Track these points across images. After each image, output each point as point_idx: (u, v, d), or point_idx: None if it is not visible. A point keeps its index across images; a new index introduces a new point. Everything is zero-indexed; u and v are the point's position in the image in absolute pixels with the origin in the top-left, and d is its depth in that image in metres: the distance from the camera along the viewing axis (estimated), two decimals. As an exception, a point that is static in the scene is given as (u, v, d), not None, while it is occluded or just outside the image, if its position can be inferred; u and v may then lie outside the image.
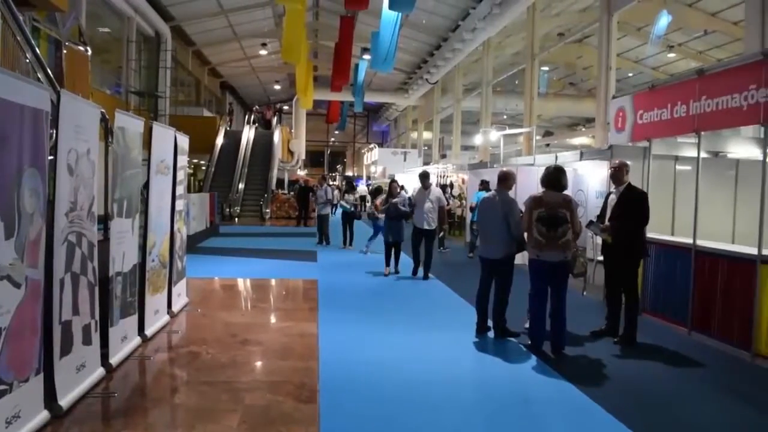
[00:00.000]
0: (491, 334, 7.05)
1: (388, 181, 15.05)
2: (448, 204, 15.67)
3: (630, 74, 28.75)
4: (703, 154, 7.58)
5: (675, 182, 8.96)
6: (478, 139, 24.94)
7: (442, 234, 13.38)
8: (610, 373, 5.88)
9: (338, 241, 15.76)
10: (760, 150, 7.30)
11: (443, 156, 34.58)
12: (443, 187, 18.71)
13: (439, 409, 4.78)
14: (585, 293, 7.39)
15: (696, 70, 7.51)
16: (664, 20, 19.31)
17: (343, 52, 21.97)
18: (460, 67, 29.09)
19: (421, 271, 10.97)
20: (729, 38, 21.81)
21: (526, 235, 6.63)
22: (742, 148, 8.96)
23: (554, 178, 6.48)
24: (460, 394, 5.23)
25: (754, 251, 6.43)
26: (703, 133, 7.41)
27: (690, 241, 7.40)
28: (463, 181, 20.77)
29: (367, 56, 24.86)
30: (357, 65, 26.98)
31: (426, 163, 33.86)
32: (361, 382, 5.34)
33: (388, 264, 11.37)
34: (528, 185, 11.97)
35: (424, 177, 11.04)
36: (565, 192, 6.57)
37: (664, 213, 8.48)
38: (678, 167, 9.11)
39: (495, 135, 21.10)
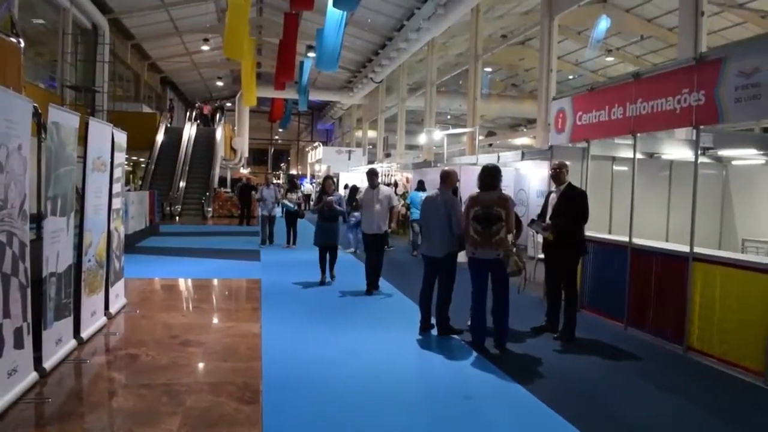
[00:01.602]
0: (435, 331, 7.11)
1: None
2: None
3: (570, 77, 29.45)
4: (638, 155, 7.83)
5: (612, 182, 9.21)
6: (422, 139, 25.11)
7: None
8: (550, 368, 6.00)
9: (281, 240, 15.62)
10: (692, 151, 7.58)
11: (388, 155, 34.69)
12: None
13: (384, 407, 4.79)
14: (520, 291, 7.52)
15: (633, 73, 7.74)
16: (603, 25, 19.88)
17: (288, 49, 21.77)
18: (405, 67, 29.23)
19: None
20: (664, 44, 22.60)
21: (464, 233, 6.73)
22: (675, 149, 9.27)
23: (486, 177, 6.60)
24: (403, 391, 5.25)
25: (686, 249, 6.67)
26: (638, 134, 7.66)
27: (626, 239, 7.63)
28: (408, 180, 20.90)
29: (311, 54, 24.72)
30: (302, 63, 26.80)
31: (371, 162, 33.89)
32: (305, 382, 5.30)
33: (323, 270, 10.25)
34: (471, 185, 12.11)
35: (372, 175, 9.88)
36: (506, 191, 6.69)
37: (601, 212, 8.71)
38: (615, 167, 9.37)
39: (439, 134, 21.28)
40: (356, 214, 11.97)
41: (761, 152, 8.69)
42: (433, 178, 14.45)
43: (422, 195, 14.39)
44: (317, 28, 19.82)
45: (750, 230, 9.84)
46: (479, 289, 6.58)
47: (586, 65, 28.01)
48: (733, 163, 10.12)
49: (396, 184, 21.27)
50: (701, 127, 6.62)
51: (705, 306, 6.41)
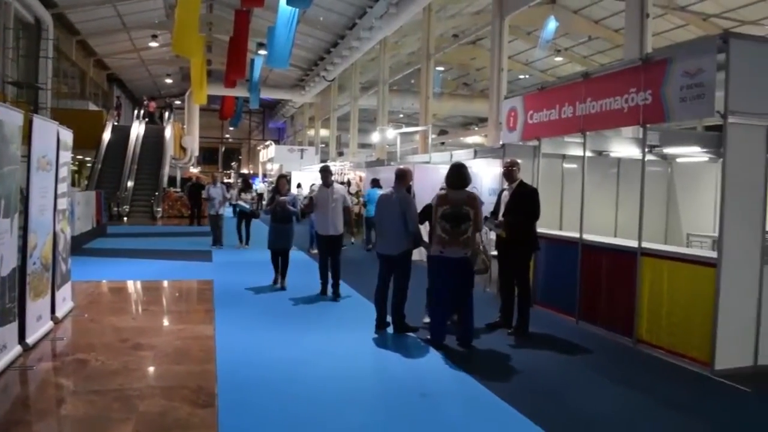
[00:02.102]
0: (390, 330, 7.12)
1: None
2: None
3: (521, 76, 29.85)
4: (588, 153, 8.00)
5: (563, 179, 9.38)
6: (375, 137, 25.13)
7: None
8: (506, 363, 6.09)
9: (234, 241, 15.36)
10: (639, 149, 7.78)
11: (340, 154, 34.60)
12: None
13: (340, 407, 4.78)
14: (487, 289, 7.63)
15: (582, 73, 7.90)
16: (552, 25, 20.20)
17: (238, 46, 21.48)
18: (357, 65, 29.18)
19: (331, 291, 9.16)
20: (610, 44, 23.10)
21: (430, 232, 6.76)
22: (623, 147, 9.49)
23: (456, 176, 6.62)
24: (360, 390, 5.25)
25: (634, 244, 6.85)
26: (588, 133, 7.82)
27: (577, 235, 7.79)
28: (361, 179, 20.87)
29: (263, 51, 24.46)
30: (253, 60, 26.49)
31: (323, 161, 33.73)
32: (261, 383, 5.25)
33: (276, 269, 9.87)
34: (425, 183, 12.18)
35: (326, 172, 9.35)
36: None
37: (553, 209, 8.85)
38: (565, 165, 9.54)
39: (392, 133, 21.33)
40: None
41: (704, 150, 8.96)
42: (386, 177, 14.49)
43: (379, 192, 14.43)
44: (268, 26, 19.62)
45: (694, 225, 10.16)
46: (443, 288, 6.61)
47: (536, 65, 28.46)
48: (678, 160, 10.42)
49: (349, 183, 21.23)
50: (648, 125, 6.80)
51: (653, 299, 6.59)
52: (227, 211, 16.15)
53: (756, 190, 5.91)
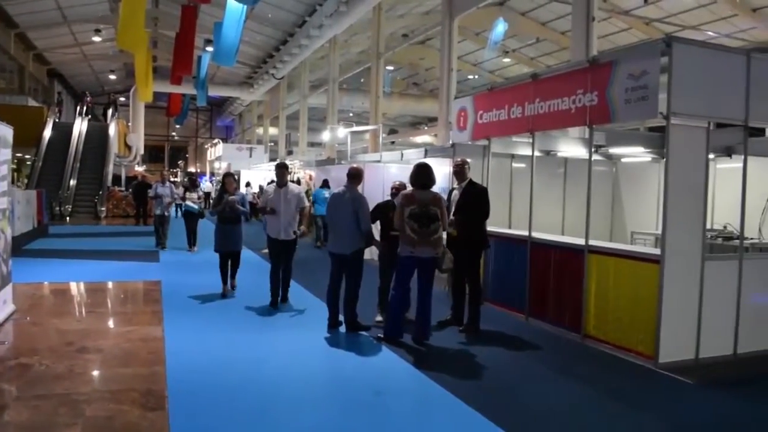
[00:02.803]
0: (342, 329, 7.11)
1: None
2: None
3: (470, 77, 30.20)
4: (536, 153, 8.14)
5: (512, 179, 9.52)
6: (325, 136, 25.03)
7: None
8: (458, 360, 6.17)
9: (179, 243, 14.49)
10: (585, 149, 7.96)
11: (290, 152, 34.35)
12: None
13: (294, 407, 4.76)
14: (446, 288, 7.72)
15: (531, 74, 8.04)
16: (500, 27, 20.50)
17: (185, 42, 21.07)
18: (307, 64, 29.04)
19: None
20: (557, 46, 23.61)
21: (382, 230, 6.78)
22: (570, 147, 9.70)
23: (422, 175, 6.67)
24: (313, 390, 5.24)
25: (581, 241, 7.02)
26: (536, 133, 7.96)
27: (526, 233, 7.93)
28: (311, 178, 20.78)
29: (210, 48, 24.06)
30: (200, 57, 26.04)
31: (272, 160, 33.44)
32: (213, 385, 5.17)
33: (225, 281, 9.13)
34: (375, 182, 12.23)
35: (282, 169, 8.55)
36: (409, 188, 6.79)
37: (502, 207, 8.98)
38: (514, 165, 9.70)
39: (342, 132, 21.29)
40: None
41: (648, 150, 9.23)
42: (336, 176, 14.49)
43: (326, 192, 14.40)
44: (215, 22, 19.31)
45: (638, 223, 10.46)
46: (404, 287, 6.65)
47: (485, 66, 28.84)
48: (623, 160, 10.71)
49: (299, 182, 21.11)
50: (594, 126, 6.97)
51: (599, 295, 6.77)
52: (173, 212, 15.56)
53: (697, 189, 6.13)
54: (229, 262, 9.13)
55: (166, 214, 14.57)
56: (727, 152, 7.87)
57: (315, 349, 6.46)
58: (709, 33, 18.36)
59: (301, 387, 5.25)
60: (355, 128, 21.83)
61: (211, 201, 23.55)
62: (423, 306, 6.64)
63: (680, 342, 6.07)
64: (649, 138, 9.21)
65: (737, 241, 6.84)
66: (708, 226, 7.53)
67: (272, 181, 7.83)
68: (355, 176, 7.21)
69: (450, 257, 6.74)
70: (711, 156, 7.21)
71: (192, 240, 14.22)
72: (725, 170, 8.59)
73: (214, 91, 37.79)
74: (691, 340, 6.11)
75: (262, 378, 5.41)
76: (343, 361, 6.16)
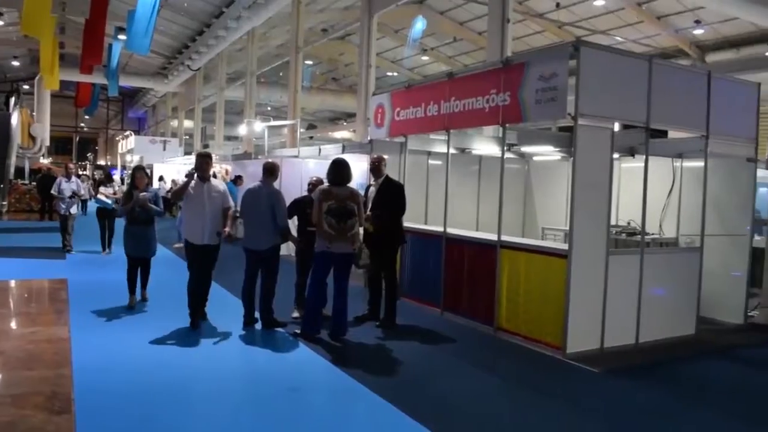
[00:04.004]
0: (259, 326, 7.03)
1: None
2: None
3: (389, 73, 30.37)
4: (451, 150, 8.30)
5: (428, 175, 9.67)
6: (242, 130, 24.62)
7: None
8: (374, 354, 6.23)
9: (94, 245, 13.16)
10: (499, 147, 8.17)
11: (206, 146, 33.51)
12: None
13: (207, 407, 4.70)
14: (364, 284, 7.77)
15: (447, 73, 8.19)
16: (419, 25, 20.72)
17: (95, 29, 20.18)
18: (224, 55, 28.42)
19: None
20: (474, 46, 24.06)
21: (299, 226, 6.73)
22: (484, 145, 9.92)
23: (340, 172, 6.65)
24: (229, 388, 5.18)
25: (494, 237, 7.22)
26: (452, 131, 8.11)
27: (441, 229, 8.08)
28: (227, 172, 20.38)
29: (122, 36, 23.15)
30: (111, 45, 25.03)
31: (187, 153, 32.59)
32: (121, 387, 5.00)
33: (133, 290, 8.02)
34: (293, 177, 12.15)
35: (205, 158, 7.27)
36: (326, 183, 6.79)
37: (418, 203, 9.11)
38: (430, 162, 9.85)
39: (259, 126, 21.01)
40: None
41: (557, 149, 9.56)
42: (253, 170, 14.27)
43: (236, 188, 14.15)
44: (128, 9, 18.63)
45: (548, 219, 10.83)
46: (321, 283, 6.63)
47: (404, 63, 29.06)
48: (534, 158, 11.06)
49: (215, 176, 20.66)
50: (507, 125, 7.17)
51: (511, 289, 6.98)
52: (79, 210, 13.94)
53: (602, 187, 6.41)
54: (140, 270, 8.09)
55: (72, 212, 12.99)
56: (631, 152, 8.26)
57: (230, 347, 6.37)
58: (617, 38, 19.24)
59: (215, 385, 5.17)
60: (273, 122, 21.61)
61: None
62: (339, 302, 6.65)
63: (586, 333, 6.35)
64: (559, 137, 9.54)
65: (640, 236, 7.20)
66: (613, 223, 7.92)
67: (190, 174, 7.00)
68: (271, 171, 7.13)
69: (366, 253, 6.79)
70: (616, 156, 7.57)
71: (107, 241, 12.83)
72: (629, 169, 9.01)
73: (126, 82, 36.41)
74: (596, 330, 6.40)
75: (175, 378, 5.30)
76: (258, 358, 6.10)
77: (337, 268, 6.63)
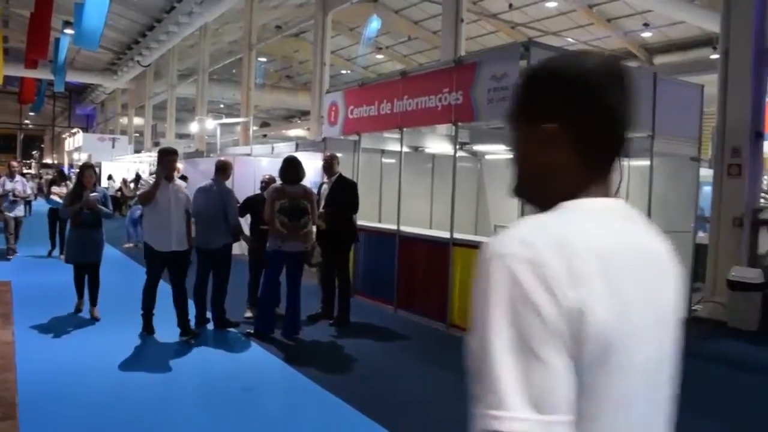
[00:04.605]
0: (211, 326, 6.95)
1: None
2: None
3: (343, 71, 30.35)
4: (405, 149, 8.34)
5: (381, 174, 9.69)
6: (193, 128, 24.29)
7: None
8: (327, 352, 6.22)
9: (41, 249, 12.46)
10: (451, 146, 8.25)
11: (156, 144, 32.91)
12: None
13: (159, 410, 4.61)
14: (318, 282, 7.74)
15: (400, 72, 8.23)
16: (374, 24, 20.76)
17: (41, 23, 19.63)
18: (176, 51, 27.97)
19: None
20: (429, 45, 24.22)
21: (252, 224, 6.67)
22: (437, 144, 10.01)
23: (292, 170, 6.61)
24: (181, 389, 5.12)
25: (447, 235, 7.28)
26: (405, 129, 8.15)
27: (394, 227, 8.11)
28: (178, 170, 20.05)
29: (69, 30, 22.56)
30: (58, 39, 24.35)
31: (137, 151, 31.98)
32: (69, 391, 4.87)
33: (81, 293, 7.51)
34: (246, 175, 12.02)
35: (171, 155, 6.58)
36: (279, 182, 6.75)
37: (372, 202, 9.13)
38: (384, 160, 9.88)
39: (211, 124, 20.75)
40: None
41: (509, 148, 9.72)
42: (206, 169, 14.06)
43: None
44: (75, 2, 18.14)
45: (501, 217, 10.96)
46: (274, 282, 6.58)
47: (358, 61, 29.05)
48: (487, 157, 11.19)
49: (185, 178, 20.34)
50: (459, 123, 7.24)
51: (463, 286, 7.05)
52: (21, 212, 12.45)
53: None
54: (87, 279, 7.43)
55: (18, 214, 11.94)
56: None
57: (182, 348, 6.26)
58: (569, 39, 19.61)
59: (167, 387, 5.10)
60: (225, 120, 21.35)
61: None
62: (292, 300, 6.62)
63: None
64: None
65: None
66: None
67: (158, 174, 6.40)
68: (223, 169, 7.06)
69: (319, 251, 6.78)
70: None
71: (57, 243, 12.02)
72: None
73: (74, 77, 35.52)
74: (545, 327, 6.50)
75: (124, 381, 5.18)
76: (211, 358, 6.02)
77: (290, 267, 6.59)
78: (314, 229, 6.86)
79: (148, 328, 6.55)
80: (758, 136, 8.23)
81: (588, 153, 1.02)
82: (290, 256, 6.50)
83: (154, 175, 6.85)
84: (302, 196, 6.50)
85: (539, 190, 1.06)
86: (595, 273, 0.89)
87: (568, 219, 0.96)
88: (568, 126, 1.00)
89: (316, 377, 5.33)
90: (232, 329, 6.89)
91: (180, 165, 18.76)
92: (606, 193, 1.06)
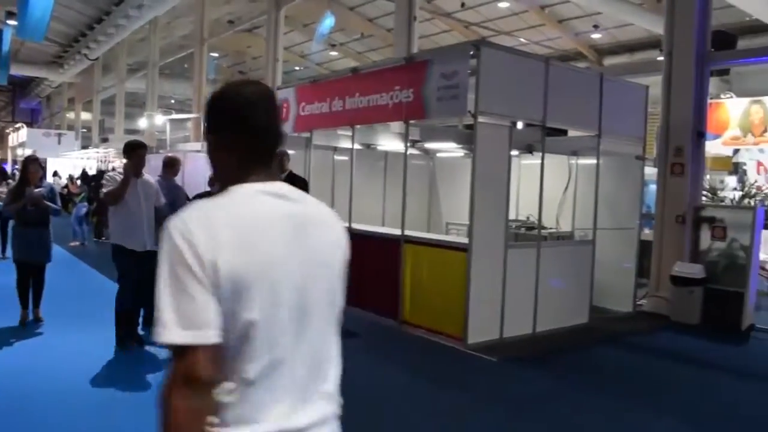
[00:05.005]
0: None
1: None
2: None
3: (297, 68, 30.13)
4: (357, 146, 8.33)
5: (334, 171, 9.65)
6: (143, 123, 23.80)
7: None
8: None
9: None
10: (403, 143, 8.27)
11: (104, 140, 32.12)
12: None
13: (97, 410, 4.49)
14: None
15: (351, 69, 8.21)
16: (328, 21, 20.64)
17: (-19, 14, 18.99)
18: (125, 45, 27.32)
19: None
20: (383, 43, 24.20)
21: None
22: (389, 141, 10.01)
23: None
24: (118, 392, 4.99)
25: (398, 232, 7.30)
26: (357, 126, 8.14)
27: (346, 224, 8.08)
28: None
29: (12, 21, 21.84)
30: (1, 31, 23.57)
31: (84, 147, 31.20)
32: (3, 395, 4.71)
33: (25, 304, 6.92)
34: (196, 172, 11.83)
35: (140, 150, 6.16)
36: None
37: (324, 199, 8.96)
38: (336, 157, 9.84)
39: (161, 119, 20.36)
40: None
41: (459, 146, 9.79)
42: (155, 165, 13.80)
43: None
44: (19, -7, 17.58)
45: (453, 215, 11.04)
46: None
47: (312, 58, 28.90)
48: (438, 155, 11.25)
49: (114, 170, 19.87)
50: (410, 121, 7.27)
51: (415, 283, 7.09)
52: None
53: (500, 183, 6.62)
54: (32, 281, 6.96)
55: None
56: (529, 149, 8.56)
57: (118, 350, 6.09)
58: (521, 39, 19.86)
59: (104, 392, 4.98)
60: (175, 116, 20.98)
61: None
62: None
63: (486, 324, 6.54)
64: (461, 134, 9.76)
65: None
66: (514, 217, 8.19)
67: (127, 170, 5.94)
68: (171, 165, 6.96)
69: None
70: (515, 152, 7.83)
71: (3, 244, 11.31)
72: (528, 166, 9.30)
73: (18, 70, 34.33)
74: (495, 321, 6.60)
75: (62, 382, 5.04)
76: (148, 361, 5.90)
77: None
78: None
79: (128, 341, 6.02)
80: (700, 136, 8.50)
81: (242, 154, 1.46)
82: None
83: (118, 171, 6.44)
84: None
85: (219, 179, 1.53)
86: (228, 237, 1.30)
87: (224, 200, 1.40)
88: (228, 135, 1.47)
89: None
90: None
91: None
92: (265, 179, 1.47)
